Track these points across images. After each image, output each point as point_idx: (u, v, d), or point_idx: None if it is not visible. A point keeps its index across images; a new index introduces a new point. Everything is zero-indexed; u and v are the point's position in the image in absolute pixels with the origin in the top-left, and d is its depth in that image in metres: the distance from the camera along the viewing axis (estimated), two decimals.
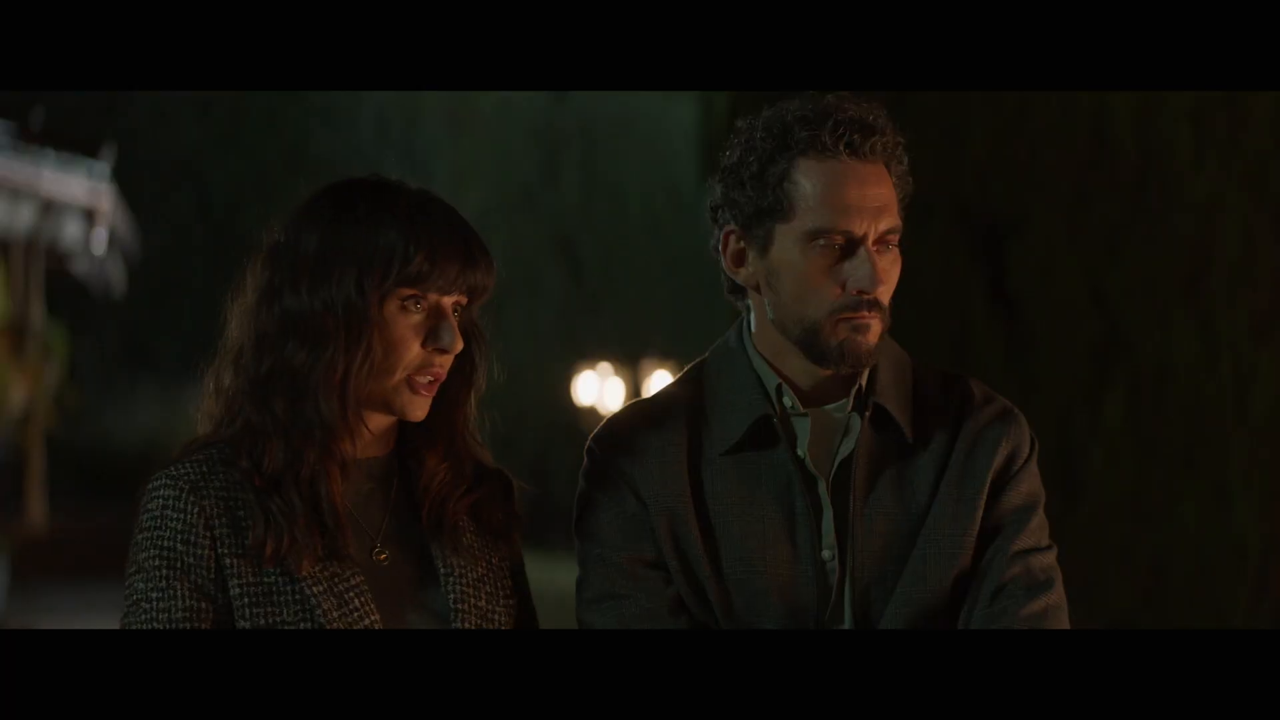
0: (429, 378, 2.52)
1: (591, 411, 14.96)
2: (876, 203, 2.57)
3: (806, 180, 2.58)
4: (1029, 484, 2.63)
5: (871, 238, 2.56)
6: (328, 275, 2.49)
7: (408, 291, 2.50)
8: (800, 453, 2.60)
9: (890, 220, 2.58)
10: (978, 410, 2.65)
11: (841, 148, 2.57)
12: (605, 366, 15.64)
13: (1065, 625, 2.58)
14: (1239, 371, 7.41)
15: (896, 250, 2.60)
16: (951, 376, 2.69)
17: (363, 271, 2.49)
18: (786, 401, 2.61)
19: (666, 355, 14.78)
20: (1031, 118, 8.67)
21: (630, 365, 15.38)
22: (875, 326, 2.58)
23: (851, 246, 2.56)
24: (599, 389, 15.52)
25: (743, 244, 2.62)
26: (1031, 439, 2.66)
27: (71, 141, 15.36)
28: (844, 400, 2.61)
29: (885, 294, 2.59)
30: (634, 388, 15.06)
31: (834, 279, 2.57)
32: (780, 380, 2.62)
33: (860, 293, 2.55)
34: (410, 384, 2.52)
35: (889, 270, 2.58)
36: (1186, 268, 7.77)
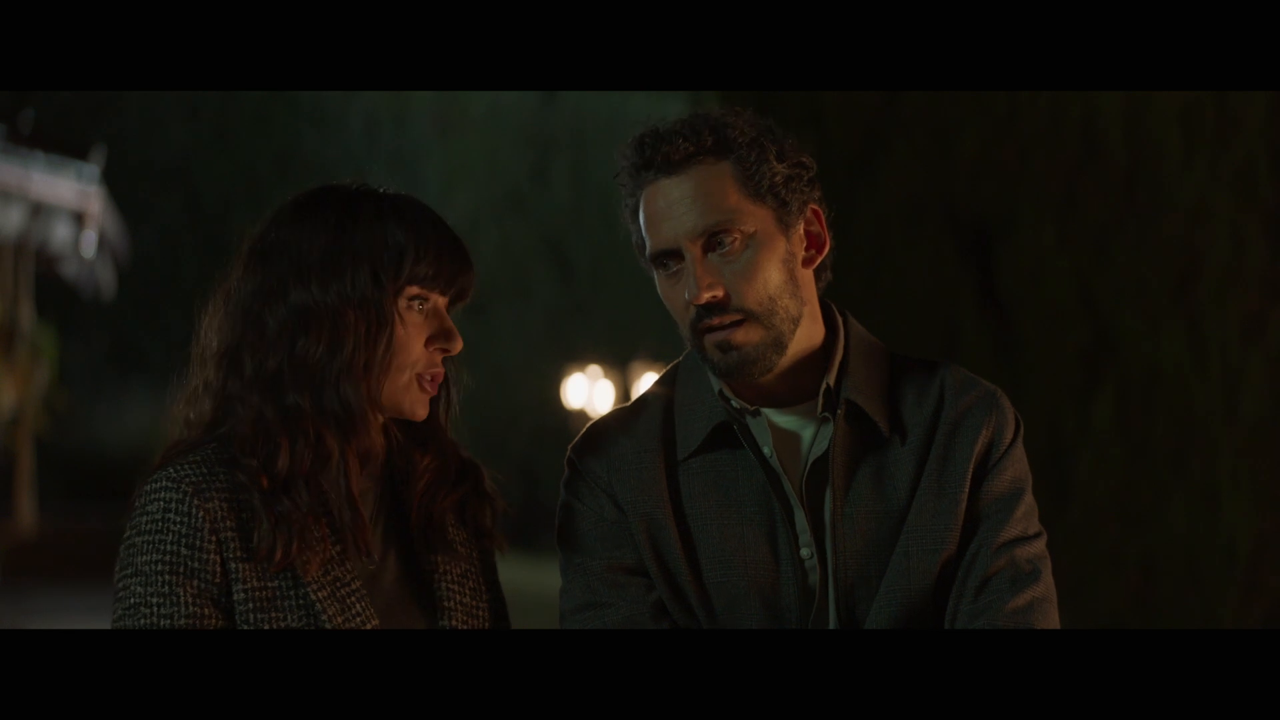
0: (431, 376, 2.54)
1: (581, 414, 14.96)
2: (682, 211, 2.54)
3: (641, 211, 2.59)
4: (1013, 469, 2.60)
5: (691, 245, 2.53)
6: (340, 271, 2.50)
7: (415, 290, 2.52)
8: (767, 453, 2.60)
9: (708, 218, 2.53)
10: (956, 397, 2.61)
11: (652, 170, 2.56)
12: (595, 369, 15.64)
13: (1052, 617, 2.55)
14: (1228, 373, 7.42)
15: (744, 247, 2.54)
16: (930, 364, 2.66)
17: (376, 268, 2.50)
18: (734, 404, 2.60)
19: (656, 357, 14.78)
20: (1021, 120, 8.68)
21: (620, 367, 15.38)
22: (741, 335, 2.54)
23: (683, 262, 2.55)
24: (589, 391, 15.52)
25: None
26: (1016, 421, 2.62)
27: (61, 144, 15.34)
28: (814, 400, 2.60)
29: (743, 295, 2.54)
30: (624, 390, 15.06)
31: (680, 296, 2.56)
32: (723, 385, 2.61)
33: (694, 304, 2.54)
34: (418, 383, 2.53)
35: (727, 272, 2.54)
36: (1176, 270, 7.78)
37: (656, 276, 2.60)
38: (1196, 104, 7.63)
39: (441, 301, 2.55)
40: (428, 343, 2.53)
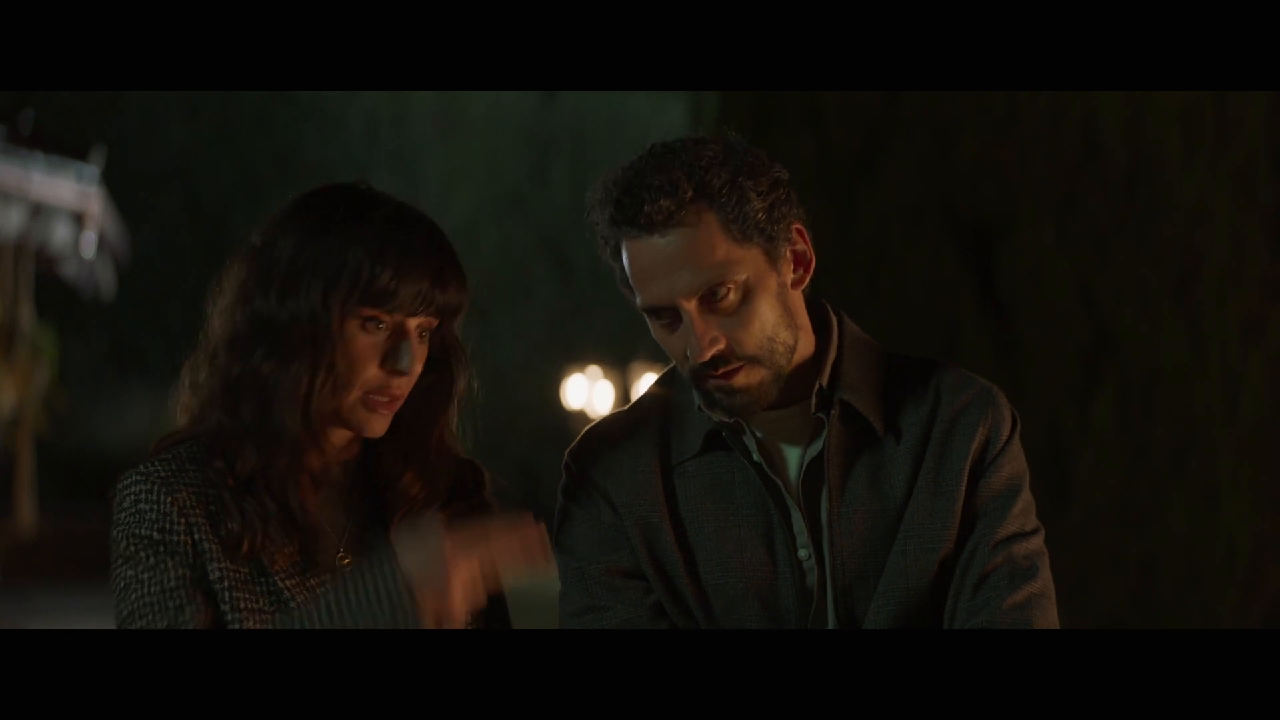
0: (386, 397, 2.52)
1: (581, 415, 14.95)
2: (673, 270, 2.50)
3: (625, 260, 2.55)
4: (1010, 466, 2.59)
5: (688, 303, 2.51)
6: (296, 286, 2.48)
7: (368, 311, 2.49)
8: (756, 458, 2.59)
9: (702, 277, 2.50)
10: (952, 396, 2.60)
11: (634, 228, 2.52)
12: (595, 369, 15.63)
13: (1050, 613, 2.54)
14: (1228, 373, 7.42)
15: (741, 296, 2.51)
16: (925, 362, 2.65)
17: (328, 287, 2.48)
18: (715, 416, 2.59)
19: (656, 358, 14.77)
20: (1021, 120, 8.68)
21: (620, 368, 15.37)
22: (743, 378, 2.53)
23: (678, 316, 2.53)
24: (588, 392, 15.51)
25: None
26: (1012, 417, 2.61)
27: (61, 144, 15.32)
28: (808, 400, 2.59)
29: (744, 344, 2.52)
30: (623, 390, 15.06)
31: (678, 346, 2.55)
32: (700, 402, 2.60)
33: (697, 360, 2.52)
34: (366, 402, 2.51)
35: (726, 324, 2.51)
36: (1176, 270, 7.78)
37: (649, 322, 2.58)
38: (1196, 104, 7.63)
39: (411, 322, 2.51)
40: (382, 363, 2.51)
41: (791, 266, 2.58)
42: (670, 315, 2.54)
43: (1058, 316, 8.43)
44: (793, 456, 2.60)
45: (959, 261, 8.98)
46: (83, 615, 10.23)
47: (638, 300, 2.56)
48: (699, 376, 2.54)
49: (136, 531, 2.48)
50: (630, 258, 2.54)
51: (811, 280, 2.63)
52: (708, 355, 2.51)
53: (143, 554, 2.48)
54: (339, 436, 2.56)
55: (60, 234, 15.16)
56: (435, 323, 2.54)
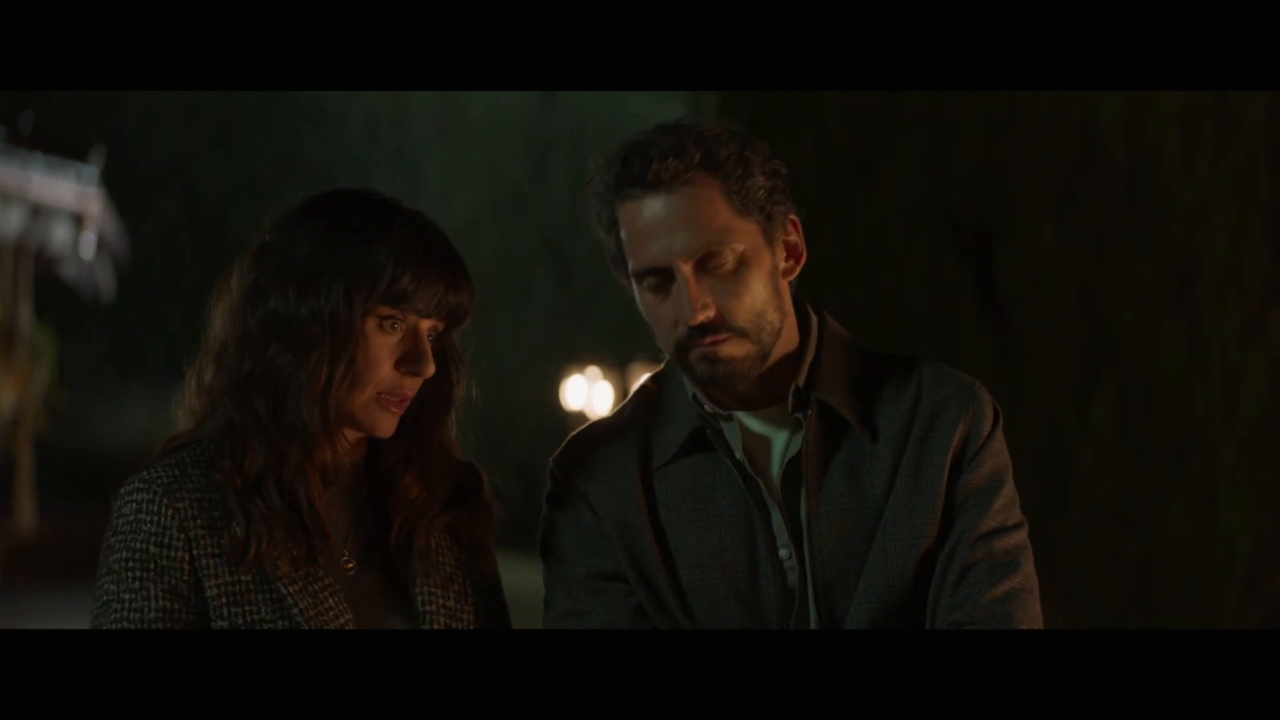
0: (398, 397, 2.53)
1: (580, 415, 14.96)
2: (673, 230, 2.51)
3: (623, 224, 2.56)
4: (992, 461, 2.58)
5: (684, 265, 2.51)
6: (316, 284, 2.50)
7: (386, 311, 2.51)
8: (739, 456, 2.59)
9: (701, 239, 2.51)
10: (931, 392, 2.60)
11: (638, 186, 2.53)
12: (594, 370, 15.65)
13: (1032, 607, 2.53)
14: (1228, 373, 7.42)
15: (736, 265, 2.52)
16: (907, 359, 2.65)
17: (350, 285, 2.49)
18: (707, 408, 2.60)
19: (655, 359, 14.77)
20: (1021, 121, 8.68)
21: (619, 369, 15.38)
22: (729, 349, 2.53)
23: (670, 279, 2.54)
24: (588, 392, 15.52)
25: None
26: (995, 411, 2.60)
27: (60, 145, 15.34)
28: (785, 401, 2.59)
29: (734, 314, 2.53)
30: (623, 391, 15.06)
31: (668, 314, 2.55)
32: (695, 390, 2.61)
33: (687, 324, 2.52)
34: (380, 402, 2.52)
35: (719, 291, 2.52)
36: (1175, 271, 7.78)
37: (638, 290, 2.58)
38: (1196, 104, 7.64)
39: (424, 324, 2.53)
40: (397, 364, 2.53)
41: (785, 254, 2.60)
42: (662, 279, 2.54)
43: (1058, 316, 8.44)
44: (773, 456, 2.60)
45: (959, 261, 8.99)
46: (82, 616, 10.23)
47: (631, 265, 2.56)
48: (684, 347, 2.54)
49: (132, 544, 2.47)
50: (629, 219, 2.54)
51: (810, 279, 2.64)
52: (699, 319, 2.51)
53: (130, 573, 2.47)
54: (348, 437, 2.57)
55: (60, 234, 15.18)
56: (442, 326, 2.56)
